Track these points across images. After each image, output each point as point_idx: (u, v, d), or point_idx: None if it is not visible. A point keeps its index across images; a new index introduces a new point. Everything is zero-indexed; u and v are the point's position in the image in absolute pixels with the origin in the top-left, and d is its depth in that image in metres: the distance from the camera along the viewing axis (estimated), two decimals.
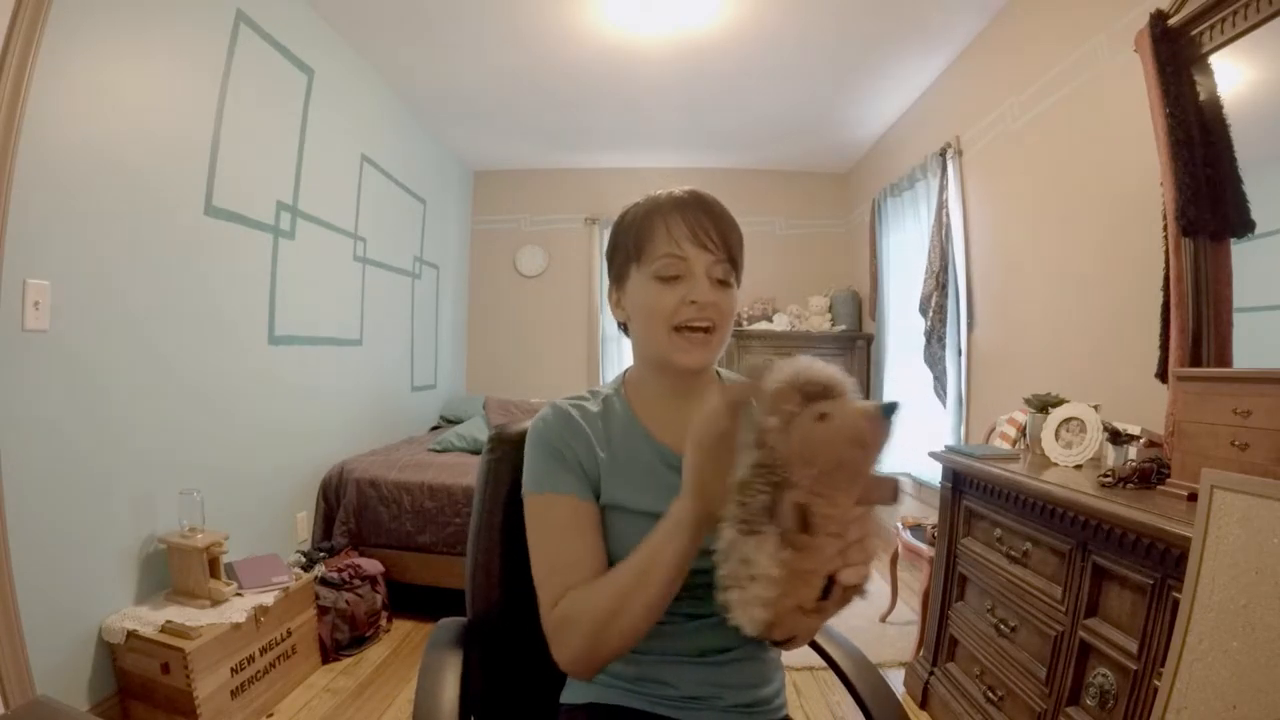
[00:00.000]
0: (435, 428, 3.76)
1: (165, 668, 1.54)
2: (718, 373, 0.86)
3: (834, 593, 0.52)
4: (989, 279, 2.51)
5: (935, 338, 2.70)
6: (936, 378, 2.77)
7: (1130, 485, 1.26)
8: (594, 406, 0.83)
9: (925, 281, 2.75)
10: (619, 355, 4.42)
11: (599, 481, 0.77)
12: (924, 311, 2.75)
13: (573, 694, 0.82)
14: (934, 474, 2.10)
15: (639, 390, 0.84)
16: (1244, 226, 1.29)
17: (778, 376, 0.52)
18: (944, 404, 2.77)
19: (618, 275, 0.81)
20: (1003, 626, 1.49)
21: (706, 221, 0.75)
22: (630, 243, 0.77)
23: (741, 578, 0.51)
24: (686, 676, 0.76)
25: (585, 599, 0.68)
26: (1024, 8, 2.23)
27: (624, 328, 0.86)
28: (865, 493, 0.51)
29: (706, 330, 0.74)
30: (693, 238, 0.74)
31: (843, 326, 4.00)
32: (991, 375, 2.48)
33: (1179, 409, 1.21)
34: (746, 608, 0.51)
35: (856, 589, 0.52)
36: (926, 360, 2.80)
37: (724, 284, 0.76)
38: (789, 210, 4.45)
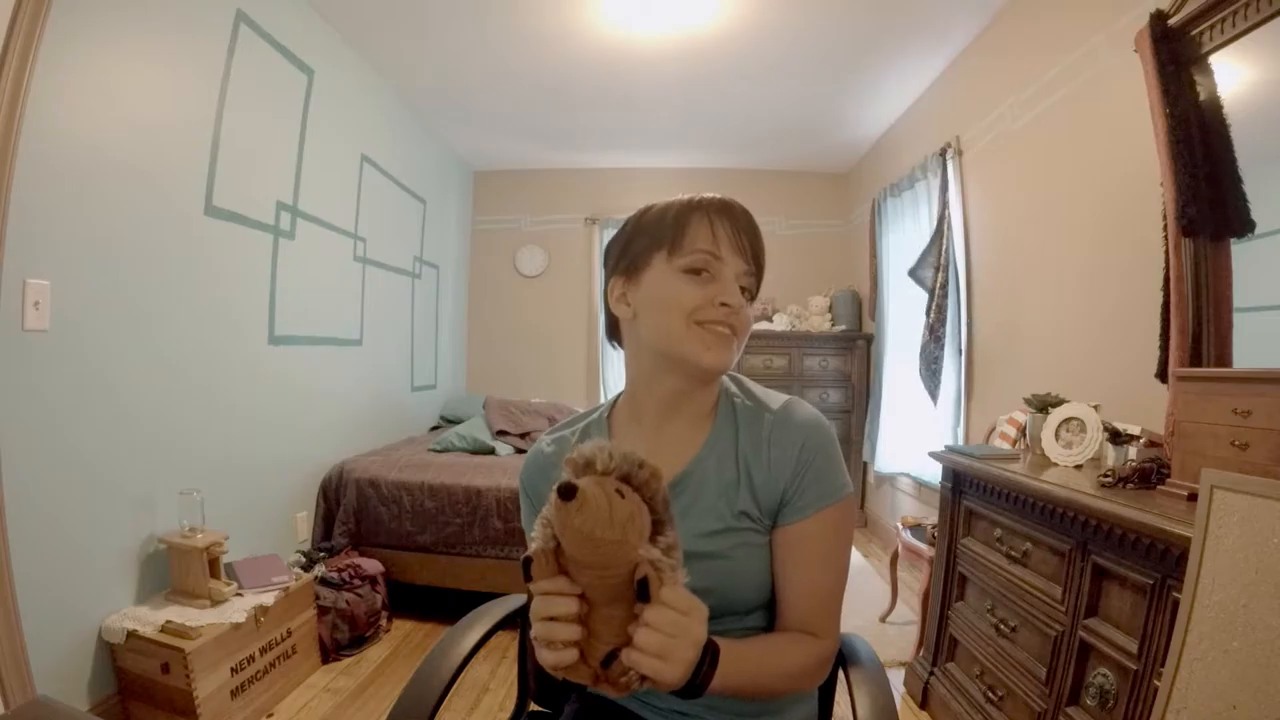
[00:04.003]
0: (435, 428, 3.76)
1: (165, 668, 1.55)
2: (730, 395, 0.80)
3: (614, 667, 0.54)
4: (989, 279, 2.51)
5: (934, 338, 2.70)
6: (930, 376, 2.77)
7: (1130, 485, 1.26)
8: (573, 437, 0.82)
9: (925, 277, 2.73)
10: (619, 356, 4.40)
11: None
12: (928, 312, 2.73)
13: None
14: (934, 474, 2.11)
15: (624, 412, 0.82)
16: (1244, 226, 1.29)
17: (581, 447, 0.58)
18: (935, 402, 2.78)
19: (633, 265, 0.76)
20: (1003, 626, 1.49)
21: (745, 230, 0.74)
22: (666, 232, 0.74)
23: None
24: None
25: None
26: (1024, 8, 2.23)
27: (614, 332, 0.82)
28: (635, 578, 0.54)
29: (730, 332, 0.73)
30: (734, 242, 0.73)
31: (843, 326, 4.00)
32: (991, 375, 2.48)
33: (1179, 409, 1.21)
34: (536, 643, 0.56)
35: (639, 676, 0.54)
36: (923, 358, 2.80)
37: (746, 295, 0.75)
38: (789, 210, 4.45)
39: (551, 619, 0.55)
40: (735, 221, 0.74)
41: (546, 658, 0.55)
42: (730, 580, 0.72)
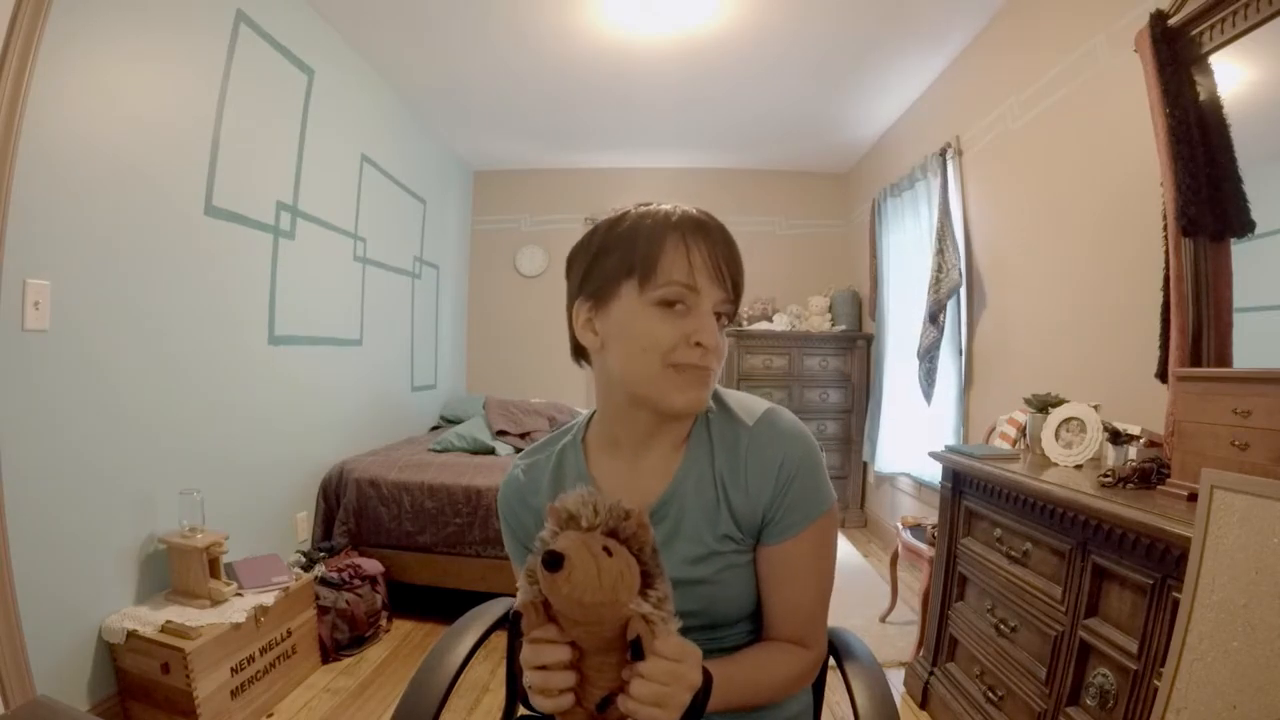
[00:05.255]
0: (435, 428, 3.76)
1: (165, 668, 1.54)
2: (705, 411, 0.74)
3: (610, 712, 0.55)
4: (989, 279, 2.51)
5: (934, 340, 2.69)
6: (926, 376, 2.77)
7: (1130, 485, 1.26)
8: (549, 462, 0.78)
9: (931, 287, 2.71)
10: None
11: None
12: (933, 318, 2.70)
13: None
14: (934, 474, 2.11)
15: (599, 437, 0.77)
16: (1244, 226, 1.29)
17: (565, 499, 0.57)
18: (928, 402, 2.79)
19: (600, 291, 0.68)
20: (1003, 626, 1.49)
21: (723, 254, 0.67)
22: (635, 256, 0.66)
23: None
24: None
25: None
26: (1024, 8, 2.23)
27: (581, 354, 0.75)
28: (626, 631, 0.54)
29: (708, 370, 0.68)
30: (712, 270, 0.66)
31: (843, 326, 4.00)
32: (991, 375, 2.48)
33: (1179, 409, 1.21)
34: (530, 691, 0.56)
35: None
36: (921, 357, 2.80)
37: (723, 322, 0.69)
38: (789, 210, 4.45)
39: (544, 667, 0.55)
40: (713, 245, 0.67)
41: (543, 704, 0.55)
42: (717, 602, 0.71)
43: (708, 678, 0.59)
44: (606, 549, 0.53)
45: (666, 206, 0.69)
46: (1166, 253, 1.40)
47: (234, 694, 1.66)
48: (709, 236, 0.67)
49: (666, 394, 0.66)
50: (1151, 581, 1.07)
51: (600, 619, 0.53)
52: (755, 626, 0.76)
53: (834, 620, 0.79)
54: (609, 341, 0.68)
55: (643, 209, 0.69)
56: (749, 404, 0.75)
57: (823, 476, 0.72)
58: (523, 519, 0.77)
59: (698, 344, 0.65)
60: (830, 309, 4.13)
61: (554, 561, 0.51)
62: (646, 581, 0.55)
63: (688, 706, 0.56)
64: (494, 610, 0.92)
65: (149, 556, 1.74)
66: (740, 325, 4.01)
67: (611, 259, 0.67)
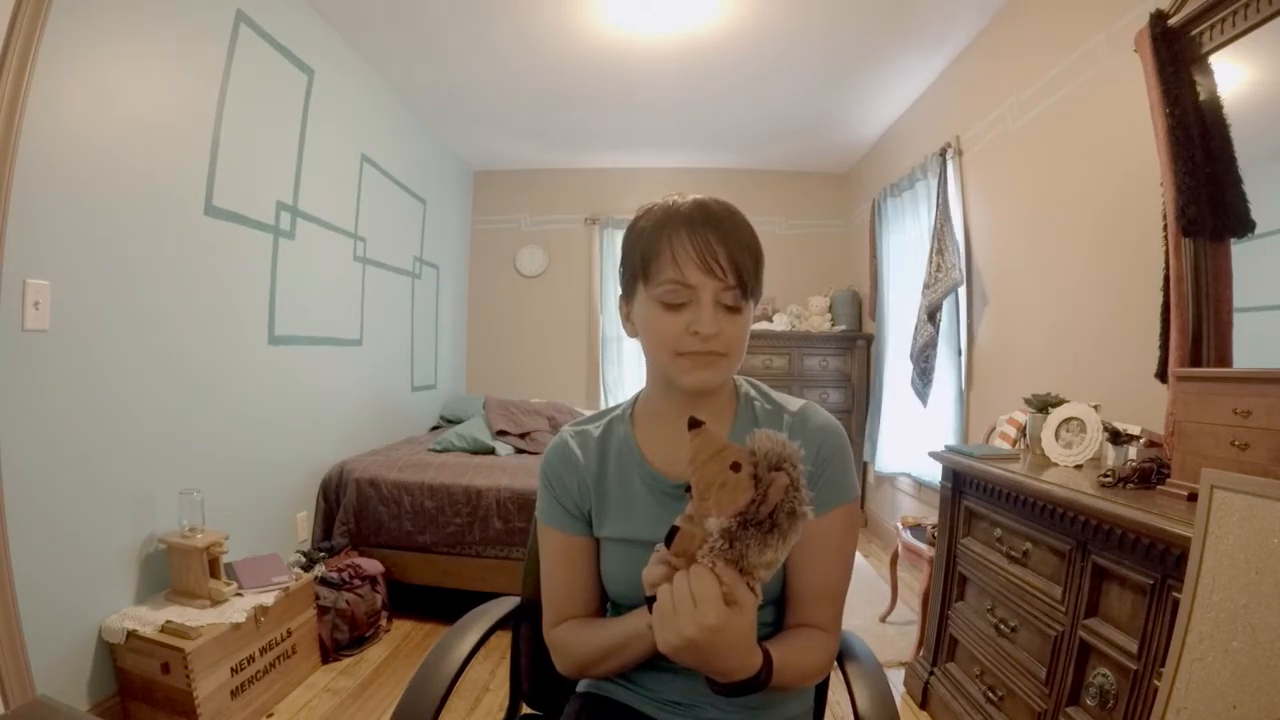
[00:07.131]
0: (435, 428, 3.76)
1: (165, 668, 1.55)
2: (750, 399, 0.82)
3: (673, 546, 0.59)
4: (989, 279, 2.51)
5: (930, 338, 2.69)
6: (922, 377, 2.76)
7: (1130, 485, 1.26)
8: (596, 431, 0.83)
9: (926, 286, 2.72)
10: (619, 356, 4.42)
11: (590, 515, 0.81)
12: (932, 317, 2.71)
13: (585, 681, 0.88)
14: (934, 474, 2.11)
15: (645, 410, 0.83)
16: (1244, 226, 1.29)
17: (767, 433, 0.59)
18: (924, 404, 2.80)
19: (627, 290, 0.77)
20: (1003, 626, 1.49)
21: (715, 244, 0.69)
22: (637, 260, 0.73)
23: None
24: (672, 684, 0.78)
25: (574, 639, 0.78)
26: (1024, 8, 2.23)
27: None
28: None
29: (713, 355, 0.72)
30: (700, 263, 0.69)
31: (843, 326, 4.00)
32: (991, 375, 2.48)
33: (1179, 409, 1.21)
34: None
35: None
36: (916, 358, 2.79)
37: (733, 310, 0.72)
38: (789, 210, 4.45)
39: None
40: (700, 237, 0.70)
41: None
42: None
43: (768, 658, 0.62)
44: (737, 465, 0.55)
45: (668, 201, 0.74)
46: (1166, 253, 1.40)
47: (234, 694, 1.66)
48: (694, 229, 0.70)
49: (678, 377, 0.73)
50: (1151, 581, 1.07)
51: (696, 502, 0.56)
52: (775, 619, 0.78)
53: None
54: (639, 332, 0.77)
55: (648, 207, 0.75)
56: (789, 399, 0.83)
57: (852, 469, 0.78)
58: (565, 481, 0.81)
59: (695, 333, 0.70)
60: (830, 309, 4.13)
61: (695, 423, 0.58)
62: (760, 530, 0.56)
63: (743, 684, 0.60)
64: (496, 610, 0.93)
65: (149, 556, 1.74)
66: None
67: (628, 262, 0.76)
